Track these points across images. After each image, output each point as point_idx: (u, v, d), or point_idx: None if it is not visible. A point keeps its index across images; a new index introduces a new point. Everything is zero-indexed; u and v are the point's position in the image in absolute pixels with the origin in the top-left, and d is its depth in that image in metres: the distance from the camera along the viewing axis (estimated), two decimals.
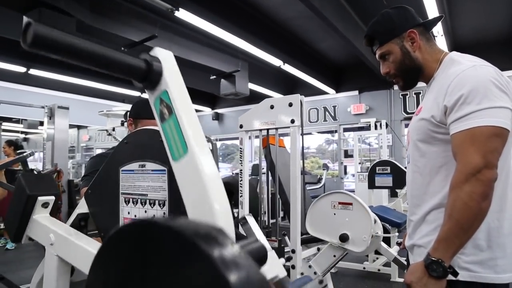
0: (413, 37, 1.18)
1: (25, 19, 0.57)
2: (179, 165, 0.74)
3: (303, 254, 2.39)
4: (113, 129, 5.14)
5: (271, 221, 2.97)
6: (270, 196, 3.51)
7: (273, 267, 0.80)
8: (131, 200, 0.97)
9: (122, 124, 4.92)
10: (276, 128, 2.44)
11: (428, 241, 1.07)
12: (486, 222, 1.00)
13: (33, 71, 6.94)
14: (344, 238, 2.05)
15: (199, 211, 0.70)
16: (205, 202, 0.69)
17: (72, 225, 1.13)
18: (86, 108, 8.59)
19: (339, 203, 2.11)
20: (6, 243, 5.36)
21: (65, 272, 1.01)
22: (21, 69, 6.80)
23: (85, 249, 0.92)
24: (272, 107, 2.39)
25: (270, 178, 3.57)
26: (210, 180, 0.70)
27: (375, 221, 2.15)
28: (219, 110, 11.04)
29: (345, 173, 8.88)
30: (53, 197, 1.16)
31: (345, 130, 8.96)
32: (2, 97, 6.77)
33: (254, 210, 3.51)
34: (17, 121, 8.28)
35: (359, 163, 6.80)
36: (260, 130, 2.51)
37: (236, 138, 2.73)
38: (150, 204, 0.93)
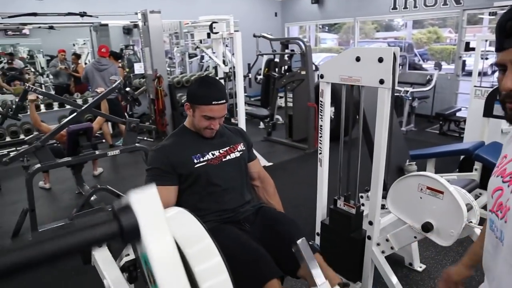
0: None
1: None
2: None
3: (381, 222, 2.23)
4: (201, 41, 5.02)
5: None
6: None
7: None
8: None
9: (208, 36, 4.74)
10: (362, 86, 2.06)
11: None
12: None
13: None
14: (427, 228, 1.80)
15: None
16: None
17: (122, 268, 1.16)
18: (178, 2, 8.61)
19: (428, 188, 1.81)
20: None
21: None
22: None
23: None
24: (358, 59, 1.99)
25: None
26: None
27: (470, 208, 1.85)
28: None
29: (463, 70, 7.61)
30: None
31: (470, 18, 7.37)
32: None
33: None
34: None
35: (481, 58, 5.72)
36: (344, 84, 2.15)
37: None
38: None
